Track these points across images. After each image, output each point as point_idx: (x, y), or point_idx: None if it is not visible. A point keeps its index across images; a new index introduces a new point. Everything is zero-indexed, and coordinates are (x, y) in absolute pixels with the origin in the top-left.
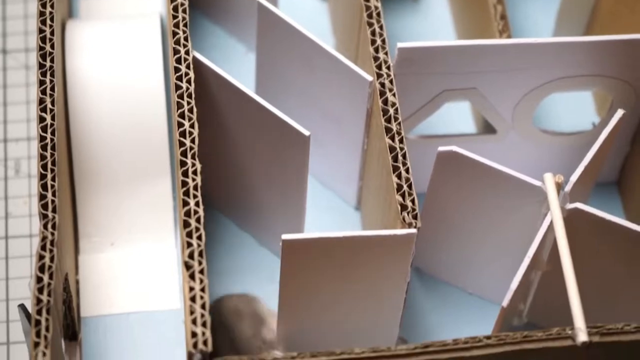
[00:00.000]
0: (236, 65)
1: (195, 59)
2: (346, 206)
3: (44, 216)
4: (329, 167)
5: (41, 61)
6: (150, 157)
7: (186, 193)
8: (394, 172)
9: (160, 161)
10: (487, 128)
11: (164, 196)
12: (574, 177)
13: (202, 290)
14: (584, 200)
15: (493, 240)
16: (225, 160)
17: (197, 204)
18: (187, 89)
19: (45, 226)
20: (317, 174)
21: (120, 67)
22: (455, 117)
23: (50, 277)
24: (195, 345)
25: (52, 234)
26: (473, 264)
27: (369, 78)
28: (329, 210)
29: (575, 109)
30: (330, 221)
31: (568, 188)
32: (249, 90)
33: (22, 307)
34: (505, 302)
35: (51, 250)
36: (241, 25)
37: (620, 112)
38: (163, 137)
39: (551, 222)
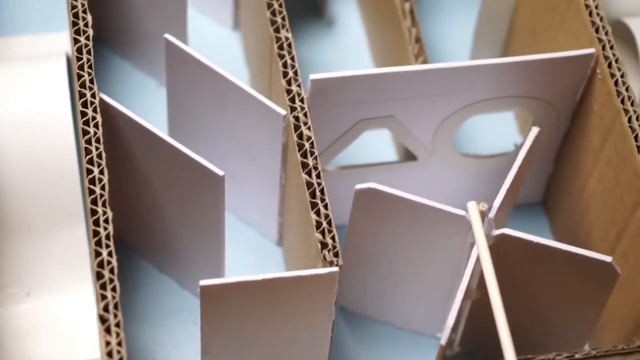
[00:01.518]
0: (147, 101)
1: (102, 101)
2: (268, 242)
3: None
4: (247, 204)
5: None
6: (63, 204)
7: (98, 243)
8: (312, 209)
9: (73, 208)
10: (407, 155)
11: (79, 244)
12: (497, 202)
13: (119, 344)
14: (504, 222)
15: (419, 272)
16: (140, 202)
17: (110, 254)
18: (95, 133)
19: None
20: (235, 210)
21: (27, 112)
22: (375, 145)
23: None
24: None
25: None
26: (400, 298)
27: (283, 112)
28: (250, 248)
29: (497, 130)
30: (252, 259)
31: (492, 214)
32: (160, 130)
33: None
34: (443, 341)
35: None
36: (151, 60)
37: (535, 131)
38: (75, 183)
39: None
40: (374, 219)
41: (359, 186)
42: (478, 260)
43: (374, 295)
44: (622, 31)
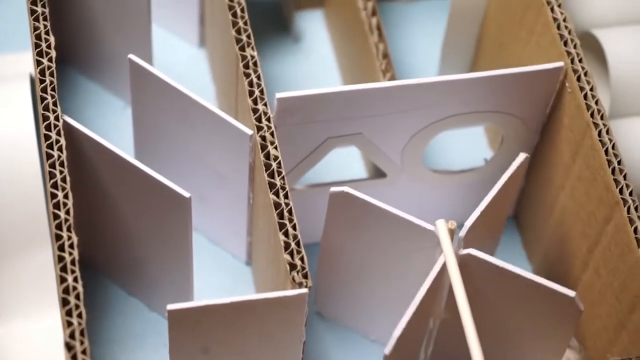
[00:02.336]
0: (114, 121)
1: (66, 124)
2: (237, 262)
3: None
4: (216, 223)
5: None
6: (28, 228)
7: (63, 269)
8: (280, 230)
9: (39, 232)
10: (377, 172)
11: (46, 268)
12: (468, 222)
13: None
14: (495, 242)
15: (390, 284)
16: (107, 224)
17: (75, 280)
18: (59, 157)
19: None
20: (204, 230)
21: None
22: (344, 162)
23: None
24: None
25: None
26: (373, 309)
27: (249, 132)
28: (219, 269)
29: (467, 145)
30: (222, 279)
31: (462, 233)
32: (125, 152)
33: None
34: (387, 350)
35: None
36: (117, 80)
37: (522, 156)
38: (40, 207)
39: (442, 268)
40: (348, 224)
41: (333, 189)
42: (444, 277)
43: (349, 304)
44: (590, 42)
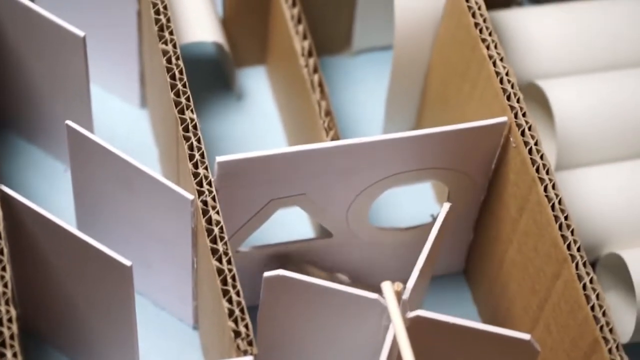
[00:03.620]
0: (56, 185)
1: (3, 193)
2: (184, 326)
3: None
4: (161, 288)
5: None
6: None
7: (2, 344)
8: (224, 296)
9: None
10: (323, 231)
11: None
12: (410, 284)
13: None
14: (420, 300)
15: (336, 357)
16: (49, 293)
17: (14, 355)
18: None
19: None
20: (150, 295)
21: None
22: (290, 222)
23: None
24: None
25: None
26: None
27: (190, 197)
28: (166, 333)
29: (413, 201)
30: (169, 344)
31: (406, 296)
32: (64, 220)
33: None
34: None
35: None
36: (57, 143)
37: (446, 206)
38: None
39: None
40: (285, 306)
41: (267, 274)
42: (395, 342)
43: None
44: (534, 93)
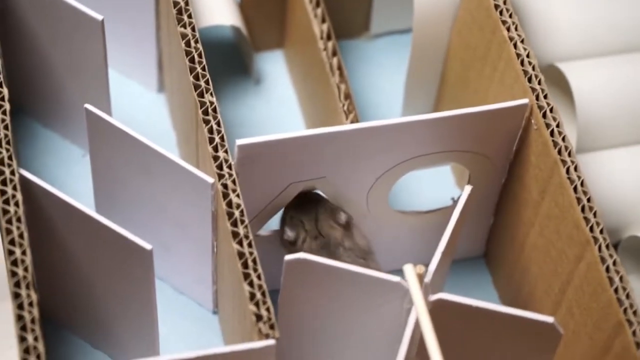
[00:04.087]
0: (73, 169)
1: (22, 178)
2: (203, 311)
3: None
4: (181, 272)
5: None
6: None
7: (23, 328)
8: (245, 280)
9: None
10: None
11: (5, 324)
12: (432, 267)
13: None
14: (442, 283)
15: (357, 340)
16: (69, 278)
17: (35, 339)
18: (16, 212)
19: None
20: (169, 279)
21: None
22: None
23: None
24: None
25: None
26: None
27: (210, 180)
28: (185, 317)
29: (433, 185)
30: (188, 329)
31: (428, 279)
32: (84, 204)
33: None
34: None
35: None
36: (74, 128)
37: (468, 189)
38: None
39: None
40: (306, 290)
41: (288, 257)
42: (417, 325)
43: None
44: (554, 75)
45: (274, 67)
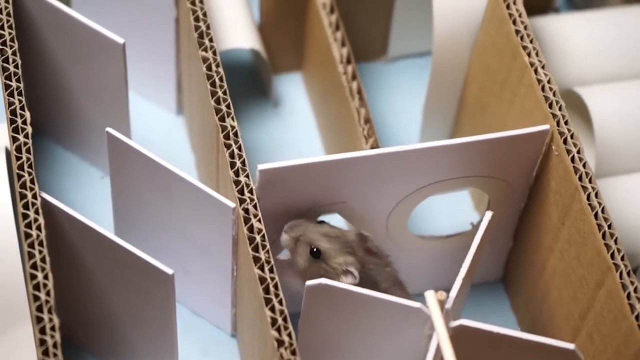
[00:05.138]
0: (93, 191)
1: (44, 202)
2: (222, 334)
3: None
4: (199, 295)
5: None
6: (9, 310)
7: (45, 352)
8: (266, 305)
9: (20, 314)
10: None
11: (26, 347)
12: (453, 293)
13: None
14: (460, 309)
15: None
16: (89, 301)
17: None
18: (38, 236)
19: None
20: (187, 302)
21: None
22: None
23: None
24: None
25: None
26: None
27: (232, 205)
28: (204, 340)
29: (452, 209)
30: (207, 352)
31: (449, 305)
32: (105, 227)
33: None
34: None
35: None
36: (94, 150)
37: (489, 215)
38: (20, 286)
39: (438, 345)
40: (327, 315)
41: (310, 283)
42: (438, 351)
43: None
44: (572, 99)
45: (293, 89)
